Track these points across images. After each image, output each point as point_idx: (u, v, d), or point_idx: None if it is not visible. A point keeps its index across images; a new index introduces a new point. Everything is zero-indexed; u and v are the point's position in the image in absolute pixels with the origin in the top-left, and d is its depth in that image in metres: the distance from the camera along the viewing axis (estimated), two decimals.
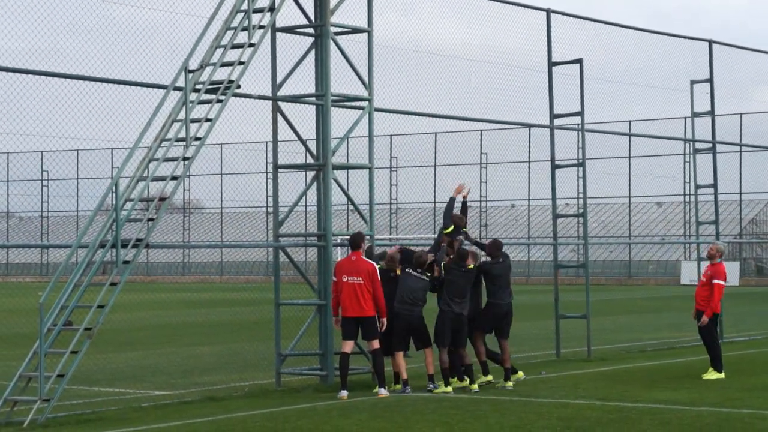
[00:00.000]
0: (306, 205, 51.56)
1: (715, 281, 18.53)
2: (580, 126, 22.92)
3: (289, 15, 18.09)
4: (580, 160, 23.39)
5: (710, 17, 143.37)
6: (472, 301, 17.22)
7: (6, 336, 25.43)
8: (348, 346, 16.52)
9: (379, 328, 16.55)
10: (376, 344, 16.54)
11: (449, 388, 16.72)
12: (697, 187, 27.02)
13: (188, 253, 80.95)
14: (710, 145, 27.02)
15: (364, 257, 16.71)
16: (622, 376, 18.81)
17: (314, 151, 18.30)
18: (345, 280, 16.46)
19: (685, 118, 49.13)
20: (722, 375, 18.42)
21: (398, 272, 17.02)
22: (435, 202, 75.29)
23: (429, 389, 16.74)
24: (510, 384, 17.26)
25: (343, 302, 16.48)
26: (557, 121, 22.82)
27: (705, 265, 19.41)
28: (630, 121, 63.91)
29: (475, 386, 16.95)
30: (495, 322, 17.49)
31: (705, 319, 18.46)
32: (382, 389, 16.41)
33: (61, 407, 15.07)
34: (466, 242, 17.71)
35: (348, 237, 17.35)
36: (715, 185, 26.82)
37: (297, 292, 20.68)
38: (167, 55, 17.36)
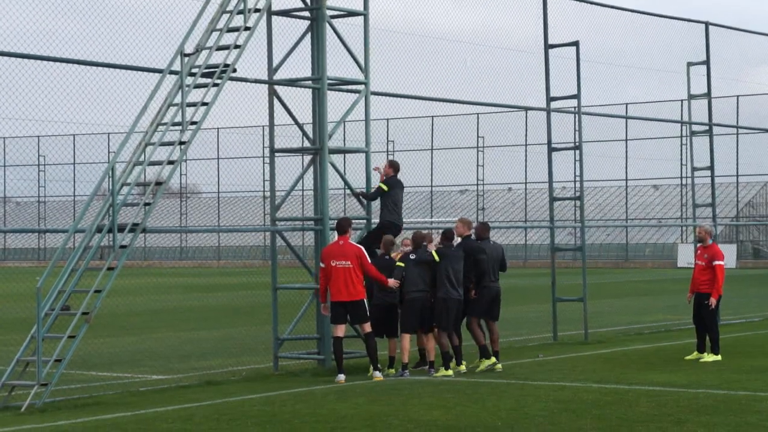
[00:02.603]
0: (303, 189, 51.58)
1: (717, 262, 18.46)
2: (576, 109, 22.90)
3: None
4: (577, 143, 23.40)
5: None
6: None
7: (3, 321, 25.45)
8: (340, 330, 16.52)
9: (366, 312, 16.53)
10: (367, 327, 16.55)
11: (450, 371, 16.73)
12: (694, 169, 27.02)
13: (185, 238, 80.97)
14: (707, 127, 27.00)
15: (351, 241, 16.70)
16: (619, 358, 18.84)
17: (311, 135, 18.29)
18: (334, 264, 16.43)
19: (682, 100, 49.03)
20: (719, 357, 18.46)
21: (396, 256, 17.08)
22: (432, 186, 75.29)
23: (429, 374, 16.76)
24: (499, 366, 17.32)
25: (332, 287, 16.46)
26: (554, 104, 22.81)
27: (696, 247, 19.37)
28: (626, 104, 63.94)
29: (463, 368, 16.97)
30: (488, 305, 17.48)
31: (713, 301, 18.42)
32: (377, 372, 16.44)
33: (58, 392, 15.08)
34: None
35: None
36: (711, 167, 26.83)
37: (294, 277, 20.68)
38: (163, 39, 17.33)
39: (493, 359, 17.30)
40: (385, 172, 18.00)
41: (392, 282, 16.66)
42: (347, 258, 16.39)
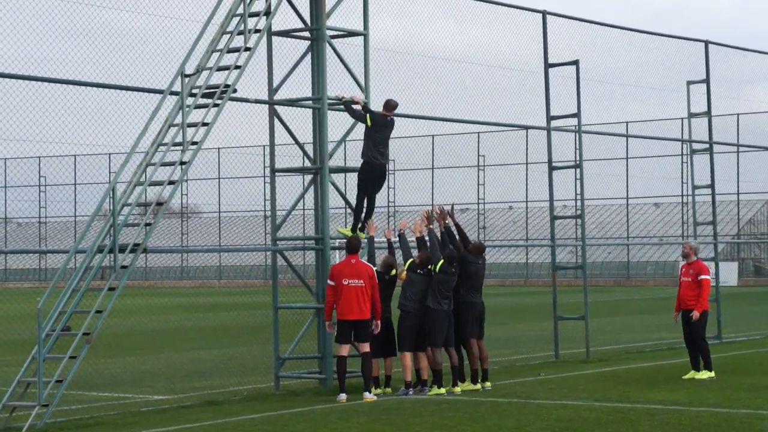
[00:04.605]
0: (304, 209, 51.72)
1: (703, 277, 18.46)
2: (576, 127, 22.93)
3: (285, 19, 18.11)
4: (578, 162, 23.41)
5: (706, 17, 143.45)
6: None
7: (4, 341, 25.42)
8: (345, 350, 16.50)
9: (372, 331, 16.56)
10: (367, 347, 16.52)
11: (442, 390, 16.71)
12: (695, 187, 27.03)
13: (186, 258, 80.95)
14: (707, 145, 27.03)
15: (361, 260, 16.70)
16: (621, 376, 18.82)
17: (311, 155, 18.31)
18: (346, 283, 16.40)
19: (682, 118, 49.02)
20: (713, 374, 18.41)
21: (403, 275, 17.03)
22: (433, 205, 75.33)
23: (423, 393, 16.72)
24: (488, 384, 17.30)
25: (343, 306, 16.43)
26: (554, 123, 22.83)
27: (681, 264, 19.31)
28: (627, 122, 63.97)
29: (459, 389, 16.94)
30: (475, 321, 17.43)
31: (697, 314, 18.39)
32: (368, 393, 16.35)
33: (59, 412, 15.06)
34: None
35: (345, 240, 17.34)
36: (712, 186, 26.84)
37: (295, 296, 20.67)
38: (164, 60, 17.38)
39: (472, 385, 17.26)
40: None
41: (377, 327, 16.63)
42: (360, 277, 16.39)
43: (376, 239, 17.84)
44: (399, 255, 17.89)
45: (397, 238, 17.63)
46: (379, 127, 17.52)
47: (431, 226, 17.38)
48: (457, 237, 17.54)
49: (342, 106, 18.09)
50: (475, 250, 17.56)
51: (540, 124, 22.99)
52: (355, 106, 17.73)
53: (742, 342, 25.53)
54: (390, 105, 17.72)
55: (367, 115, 17.52)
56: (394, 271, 17.20)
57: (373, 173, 17.59)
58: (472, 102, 24.53)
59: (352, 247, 16.72)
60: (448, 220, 17.62)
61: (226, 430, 13.68)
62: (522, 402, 15.73)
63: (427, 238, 17.29)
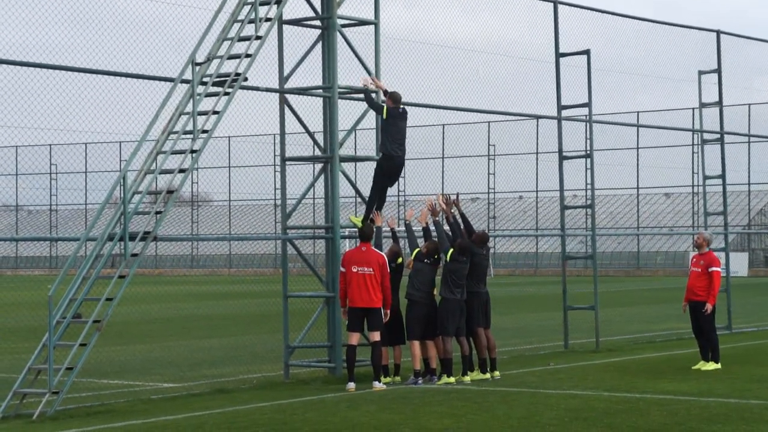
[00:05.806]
0: (314, 198, 51.77)
1: (713, 269, 18.42)
2: (587, 117, 22.89)
3: (295, 7, 18.10)
4: (588, 151, 23.37)
5: (718, 6, 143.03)
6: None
7: (15, 329, 25.50)
8: (354, 338, 16.51)
9: (383, 320, 16.56)
10: (377, 336, 16.53)
11: (452, 379, 16.73)
12: (705, 177, 26.98)
13: (196, 246, 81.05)
14: (718, 135, 26.97)
15: (373, 248, 16.70)
16: (631, 367, 18.82)
17: (322, 144, 18.31)
18: (355, 270, 16.41)
19: (693, 108, 48.93)
20: (719, 365, 18.39)
21: (410, 265, 17.07)
22: (439, 195, 75.21)
23: (432, 382, 16.74)
24: (497, 374, 17.30)
25: (352, 293, 16.44)
26: (565, 113, 22.79)
27: (692, 254, 19.31)
28: (638, 112, 63.84)
29: (468, 378, 16.96)
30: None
31: (710, 307, 18.40)
32: (377, 382, 16.38)
33: (70, 400, 15.11)
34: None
35: (356, 229, 17.35)
36: (723, 176, 26.78)
37: (305, 285, 20.69)
38: (174, 48, 17.40)
39: (481, 374, 17.27)
40: (386, 104, 17.65)
41: (386, 317, 16.64)
42: (370, 265, 16.39)
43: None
44: (405, 245, 17.91)
45: (403, 228, 17.63)
46: (394, 119, 17.49)
47: (436, 218, 17.38)
48: (462, 226, 17.54)
49: (355, 94, 18.11)
50: (480, 240, 17.57)
51: (550, 113, 22.96)
52: (373, 88, 17.63)
53: (752, 332, 25.51)
54: (395, 98, 17.64)
55: (384, 107, 17.47)
56: (400, 260, 17.25)
57: (391, 167, 17.59)
58: (483, 91, 24.53)
59: (364, 234, 16.71)
60: (454, 210, 17.61)
61: (236, 418, 13.71)
62: (531, 392, 15.74)
63: (432, 228, 17.29)
